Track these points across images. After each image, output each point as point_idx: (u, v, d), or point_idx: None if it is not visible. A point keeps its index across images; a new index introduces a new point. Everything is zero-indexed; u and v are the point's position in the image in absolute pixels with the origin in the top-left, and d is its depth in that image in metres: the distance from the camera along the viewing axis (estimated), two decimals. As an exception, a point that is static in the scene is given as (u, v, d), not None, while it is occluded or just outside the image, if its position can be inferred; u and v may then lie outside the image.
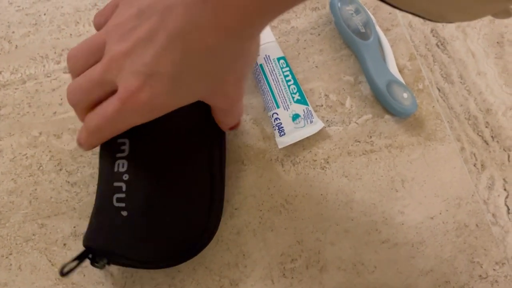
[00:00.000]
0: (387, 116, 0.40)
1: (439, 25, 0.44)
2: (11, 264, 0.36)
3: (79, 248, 0.36)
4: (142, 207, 0.30)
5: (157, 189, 0.31)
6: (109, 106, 0.26)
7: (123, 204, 0.30)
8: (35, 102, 0.39)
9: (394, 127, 0.40)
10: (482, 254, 0.38)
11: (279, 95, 0.38)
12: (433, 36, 0.43)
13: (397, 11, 0.44)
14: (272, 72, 0.38)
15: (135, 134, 0.30)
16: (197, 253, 0.33)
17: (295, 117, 0.38)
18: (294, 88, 0.39)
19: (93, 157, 0.38)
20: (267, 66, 0.38)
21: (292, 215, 0.38)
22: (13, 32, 0.41)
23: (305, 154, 0.39)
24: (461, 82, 0.42)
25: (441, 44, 0.43)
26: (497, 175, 0.39)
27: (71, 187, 0.37)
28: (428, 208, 0.38)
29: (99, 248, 0.31)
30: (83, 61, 0.28)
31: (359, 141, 0.40)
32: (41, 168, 0.38)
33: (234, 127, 0.34)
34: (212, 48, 0.23)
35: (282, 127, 0.38)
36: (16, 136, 0.38)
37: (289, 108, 0.38)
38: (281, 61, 0.39)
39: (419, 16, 0.22)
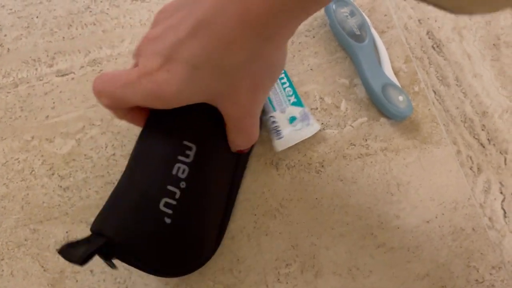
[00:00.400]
0: (382, 119, 0.40)
1: (435, 27, 0.44)
2: (3, 270, 0.35)
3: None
4: (187, 221, 0.29)
5: (203, 206, 0.30)
6: (126, 72, 0.27)
7: (170, 211, 0.28)
8: (27, 106, 0.39)
9: (389, 130, 0.40)
10: (479, 258, 0.37)
11: (275, 98, 0.38)
12: (429, 38, 0.43)
13: (392, 12, 0.44)
14: None
15: (204, 142, 0.29)
16: (201, 265, 0.33)
17: (292, 119, 0.37)
18: (290, 91, 0.38)
19: (86, 161, 0.38)
20: None
21: (287, 219, 0.37)
22: (5, 35, 0.41)
23: (300, 158, 0.39)
24: (457, 85, 0.42)
25: (437, 46, 0.43)
26: (493, 178, 0.39)
27: (63, 192, 0.37)
28: (424, 212, 0.38)
29: (123, 245, 0.27)
30: None
31: (354, 145, 0.39)
32: (33, 172, 0.37)
33: (242, 151, 0.33)
34: (233, 42, 0.24)
35: (280, 130, 0.37)
36: (8, 141, 0.38)
37: (285, 111, 0.38)
38: None
39: (435, 6, 0.22)
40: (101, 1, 0.42)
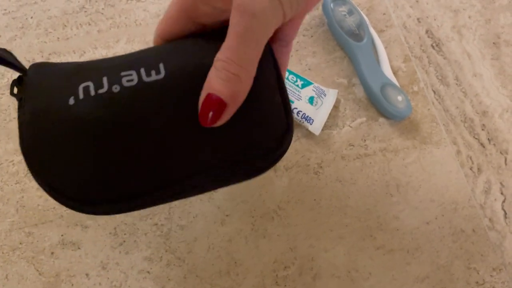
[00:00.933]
0: (381, 119, 0.39)
1: (434, 25, 0.43)
2: (-3, 274, 0.35)
3: (67, 256, 0.35)
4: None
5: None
6: None
7: (82, 96, 0.24)
8: (21, 107, 0.39)
9: (388, 131, 0.39)
10: (479, 260, 0.37)
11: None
12: (428, 37, 0.43)
13: (391, 11, 0.43)
14: None
15: (175, 80, 0.24)
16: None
17: (311, 100, 0.38)
18: (293, 77, 0.39)
19: (81, 163, 0.37)
20: None
21: (285, 222, 0.37)
22: (0, 36, 0.40)
23: (298, 159, 0.38)
24: (456, 84, 0.41)
25: (436, 45, 0.42)
26: (493, 179, 0.39)
27: (58, 195, 0.36)
28: (424, 213, 0.37)
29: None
30: None
31: (353, 145, 0.39)
32: (28, 175, 0.37)
33: (207, 105, 0.23)
34: None
35: (308, 116, 0.38)
36: (2, 143, 0.38)
37: (301, 97, 0.38)
38: None
39: None
40: (96, 1, 0.41)
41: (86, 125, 0.24)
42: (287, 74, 0.39)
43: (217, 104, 0.22)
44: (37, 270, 0.35)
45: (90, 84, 0.24)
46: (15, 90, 0.25)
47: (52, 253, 0.36)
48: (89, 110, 0.24)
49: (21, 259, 0.35)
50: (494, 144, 0.39)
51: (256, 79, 0.23)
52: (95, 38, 0.40)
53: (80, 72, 0.25)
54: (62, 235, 0.36)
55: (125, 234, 0.36)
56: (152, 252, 0.36)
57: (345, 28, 0.40)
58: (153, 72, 0.24)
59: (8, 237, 0.36)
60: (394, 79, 0.39)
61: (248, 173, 0.26)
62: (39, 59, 0.40)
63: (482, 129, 0.40)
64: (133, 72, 0.24)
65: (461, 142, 0.39)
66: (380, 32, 0.42)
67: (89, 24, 0.41)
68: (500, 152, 0.39)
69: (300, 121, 0.38)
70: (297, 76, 0.38)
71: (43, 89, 0.25)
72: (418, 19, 0.43)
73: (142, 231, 0.36)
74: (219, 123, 0.23)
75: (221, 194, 0.37)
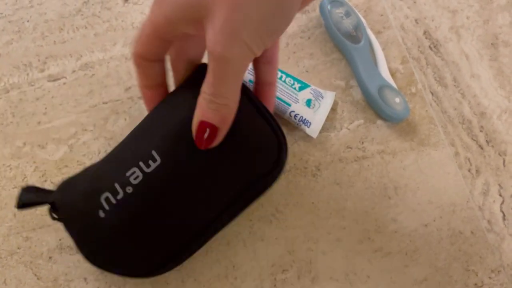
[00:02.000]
0: (379, 121, 0.39)
1: (432, 26, 0.43)
2: (-5, 279, 0.35)
3: (65, 261, 0.35)
4: (119, 223, 0.29)
5: (144, 217, 0.30)
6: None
7: (106, 207, 0.29)
8: (18, 111, 0.39)
9: (386, 133, 0.39)
10: (478, 262, 0.37)
11: (282, 94, 0.38)
12: (426, 38, 0.42)
13: (388, 12, 0.43)
14: None
15: (172, 160, 0.28)
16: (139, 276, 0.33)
17: (308, 102, 0.37)
18: (290, 80, 0.38)
19: (79, 167, 0.37)
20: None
21: (283, 225, 0.37)
22: (-4, 40, 0.40)
23: (296, 162, 0.38)
24: (454, 85, 0.41)
25: (434, 47, 0.42)
26: (492, 180, 0.38)
27: (56, 199, 0.36)
28: (422, 215, 0.37)
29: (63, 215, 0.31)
30: None
31: (350, 147, 0.39)
32: (25, 179, 0.37)
33: (201, 128, 0.25)
34: None
35: (305, 119, 0.37)
36: (-1, 147, 0.38)
37: (298, 99, 0.37)
38: None
39: None
40: (92, 4, 0.41)
41: (118, 229, 0.29)
42: (284, 76, 0.38)
43: (210, 128, 0.25)
44: (35, 274, 0.35)
45: (108, 194, 0.29)
46: (55, 216, 0.31)
47: (50, 257, 0.35)
48: (117, 217, 0.29)
49: (19, 263, 0.35)
50: (493, 146, 0.39)
51: (234, 120, 0.26)
52: (92, 41, 0.40)
53: (95, 186, 0.30)
54: (60, 240, 0.36)
55: (123, 238, 0.36)
56: (150, 256, 0.36)
57: (342, 30, 0.40)
58: (151, 162, 0.28)
59: (6, 242, 0.36)
60: (391, 81, 0.39)
61: (256, 195, 0.31)
62: (35, 63, 0.40)
63: (481, 131, 0.39)
64: (136, 169, 0.28)
65: (459, 144, 0.39)
66: (377, 33, 0.42)
67: (86, 28, 0.41)
68: (499, 154, 0.39)
69: (297, 124, 0.38)
70: (294, 78, 0.38)
71: (75, 211, 0.30)
72: (415, 20, 0.43)
73: (140, 235, 0.36)
74: (214, 144, 0.26)
75: (218, 198, 0.37)
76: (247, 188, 0.30)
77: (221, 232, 0.36)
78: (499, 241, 0.37)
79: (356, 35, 0.40)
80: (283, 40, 0.41)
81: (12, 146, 0.38)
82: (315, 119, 0.37)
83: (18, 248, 0.36)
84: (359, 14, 0.40)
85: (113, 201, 0.29)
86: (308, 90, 0.38)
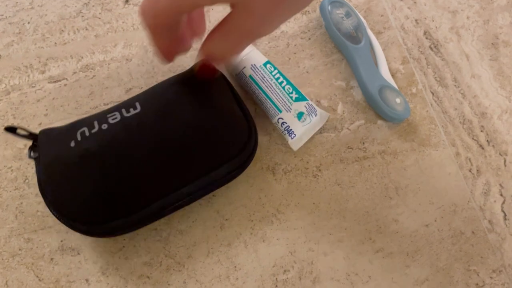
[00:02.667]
0: (380, 122, 0.39)
1: (432, 27, 0.43)
2: (-3, 281, 0.35)
3: (66, 262, 0.35)
4: (87, 156, 0.31)
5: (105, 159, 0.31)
6: None
7: (79, 138, 0.31)
8: (19, 113, 0.39)
9: (387, 133, 0.39)
10: (479, 262, 0.37)
11: (277, 99, 0.37)
12: (426, 38, 0.42)
13: (388, 13, 0.43)
14: (263, 79, 0.38)
15: (149, 111, 0.31)
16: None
17: (300, 115, 0.37)
18: (289, 88, 0.38)
19: (80, 169, 0.37)
20: (256, 74, 0.37)
21: (284, 225, 0.37)
22: (-3, 42, 0.40)
23: (297, 162, 0.38)
24: (455, 86, 0.41)
25: (435, 47, 0.42)
26: (493, 180, 0.38)
27: (57, 200, 0.36)
28: (423, 215, 0.37)
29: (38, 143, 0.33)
30: None
31: (351, 148, 0.39)
32: (26, 181, 0.37)
33: (203, 69, 0.31)
34: None
35: (291, 129, 0.37)
36: (0, 149, 0.38)
37: (291, 109, 0.37)
38: (268, 65, 0.38)
39: None
40: (93, 6, 0.41)
41: (83, 158, 0.30)
42: (284, 82, 0.38)
43: (209, 68, 0.31)
44: (37, 276, 0.35)
45: (85, 128, 0.32)
46: (32, 154, 0.33)
47: (52, 259, 0.36)
48: (85, 147, 0.31)
49: (21, 265, 0.35)
50: (493, 146, 0.39)
51: (217, 104, 0.32)
52: (92, 43, 0.40)
53: (78, 123, 0.33)
54: (61, 241, 0.36)
55: (124, 239, 0.36)
56: (152, 257, 0.36)
57: (342, 31, 0.40)
58: (131, 109, 0.32)
59: (8, 244, 0.36)
60: (392, 81, 0.39)
61: (223, 178, 0.33)
62: (36, 65, 0.40)
63: (481, 131, 0.40)
64: (116, 113, 0.32)
65: (460, 144, 0.39)
66: (378, 34, 0.42)
67: (86, 29, 0.41)
68: (499, 154, 0.39)
69: (282, 131, 0.38)
70: (293, 87, 0.38)
71: (51, 145, 0.32)
72: (416, 20, 0.43)
73: (141, 236, 0.36)
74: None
75: (220, 198, 0.37)
76: (213, 167, 0.32)
77: (221, 232, 0.36)
78: (500, 241, 0.37)
79: (356, 35, 0.40)
80: (283, 41, 0.41)
81: (13, 148, 0.38)
82: (300, 132, 0.37)
83: (20, 249, 0.36)
84: (359, 15, 0.40)
85: (87, 134, 0.31)
86: (304, 103, 0.37)
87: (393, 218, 0.37)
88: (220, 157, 0.32)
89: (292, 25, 0.41)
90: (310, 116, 0.37)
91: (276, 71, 0.38)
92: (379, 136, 0.39)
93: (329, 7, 0.40)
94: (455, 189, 0.38)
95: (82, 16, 0.41)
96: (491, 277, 0.37)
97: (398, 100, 0.38)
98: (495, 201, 0.38)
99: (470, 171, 0.39)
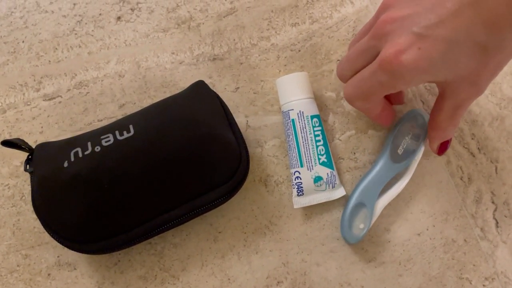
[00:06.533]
0: (370, 131, 0.40)
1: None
2: (-4, 297, 0.36)
3: (63, 277, 0.36)
4: (81, 174, 0.32)
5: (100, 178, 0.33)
6: (367, 69, 0.29)
7: (72, 159, 0.32)
8: (15, 131, 0.39)
9: (378, 143, 0.39)
10: (471, 270, 0.37)
11: (305, 154, 0.36)
12: (416, 47, 0.43)
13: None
14: (303, 130, 0.37)
15: (143, 136, 0.33)
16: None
17: (317, 179, 0.36)
18: (322, 150, 0.37)
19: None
20: (299, 122, 0.37)
21: (277, 237, 0.37)
22: (-8, 61, 0.41)
23: (289, 174, 0.39)
24: (445, 94, 0.41)
25: (424, 55, 0.42)
26: (484, 188, 0.39)
27: (53, 217, 0.37)
28: (415, 224, 0.38)
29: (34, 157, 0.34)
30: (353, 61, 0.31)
31: (342, 158, 0.39)
32: (23, 198, 0.38)
33: (442, 148, 0.35)
34: (499, 18, 0.24)
35: (302, 188, 0.36)
36: (-3, 167, 0.38)
37: (312, 169, 0.36)
38: (315, 119, 0.37)
39: None
40: (86, 23, 0.42)
41: (74, 181, 0.31)
42: (321, 142, 0.37)
43: (447, 143, 0.35)
44: (35, 291, 0.36)
45: (79, 149, 0.32)
46: (28, 167, 0.34)
47: (49, 274, 0.36)
48: (78, 168, 0.32)
49: (19, 281, 0.36)
50: (484, 153, 0.39)
51: (210, 130, 0.33)
52: (85, 60, 0.41)
53: (71, 142, 0.34)
54: (58, 256, 0.37)
55: (119, 253, 0.37)
56: (147, 271, 0.36)
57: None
58: (125, 132, 0.33)
59: (6, 260, 0.36)
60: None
61: (211, 203, 0.33)
62: (31, 83, 0.40)
63: (472, 138, 0.40)
64: (110, 135, 0.33)
65: (451, 152, 0.39)
66: (367, 44, 0.42)
67: (80, 47, 0.41)
68: (491, 161, 0.39)
69: (292, 184, 0.37)
70: (327, 152, 0.37)
71: (45, 161, 0.33)
72: (405, 29, 0.43)
73: (136, 250, 0.37)
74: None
75: (213, 211, 0.37)
76: (201, 193, 0.33)
77: (215, 245, 0.37)
78: (492, 248, 0.37)
79: (401, 155, 0.37)
80: (274, 53, 0.41)
81: (10, 166, 0.38)
82: (309, 195, 0.36)
83: (18, 265, 0.36)
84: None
85: (80, 155, 0.32)
86: (328, 170, 0.36)
87: (385, 228, 0.38)
88: (209, 183, 0.33)
89: (282, 38, 0.42)
90: (328, 185, 0.36)
91: (319, 127, 0.37)
92: (370, 145, 0.39)
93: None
94: (447, 197, 0.38)
95: (75, 34, 0.42)
96: (483, 285, 0.37)
97: (361, 226, 0.36)
98: (487, 208, 0.38)
99: (461, 179, 0.39)
